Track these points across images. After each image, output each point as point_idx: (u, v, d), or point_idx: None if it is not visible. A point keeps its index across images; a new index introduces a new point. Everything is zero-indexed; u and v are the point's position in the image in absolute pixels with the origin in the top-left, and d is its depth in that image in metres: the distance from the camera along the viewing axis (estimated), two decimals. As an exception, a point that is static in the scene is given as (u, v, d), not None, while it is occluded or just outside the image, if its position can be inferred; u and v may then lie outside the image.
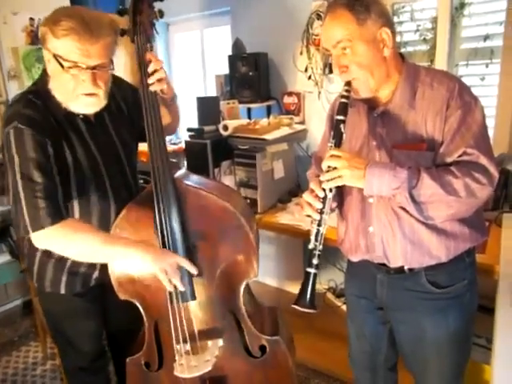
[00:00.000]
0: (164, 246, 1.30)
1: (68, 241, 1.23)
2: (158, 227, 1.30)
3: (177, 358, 1.35)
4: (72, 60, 1.17)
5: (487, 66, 2.06)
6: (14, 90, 2.74)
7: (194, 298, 1.34)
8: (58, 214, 1.21)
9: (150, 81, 1.28)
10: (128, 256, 1.27)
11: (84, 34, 1.14)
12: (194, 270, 1.31)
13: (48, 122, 1.25)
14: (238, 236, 1.34)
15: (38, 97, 1.27)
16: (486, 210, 1.67)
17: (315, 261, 1.15)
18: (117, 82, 1.41)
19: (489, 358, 1.10)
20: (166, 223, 1.29)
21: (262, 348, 1.40)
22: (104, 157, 1.38)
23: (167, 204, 1.29)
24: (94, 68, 1.19)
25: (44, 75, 1.30)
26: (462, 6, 2.07)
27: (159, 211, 1.30)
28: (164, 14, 1.36)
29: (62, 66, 1.18)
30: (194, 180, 1.42)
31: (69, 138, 1.30)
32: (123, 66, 2.85)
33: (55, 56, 1.18)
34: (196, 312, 1.36)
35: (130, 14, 1.31)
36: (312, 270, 1.14)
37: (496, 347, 1.04)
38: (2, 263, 2.87)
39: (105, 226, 1.37)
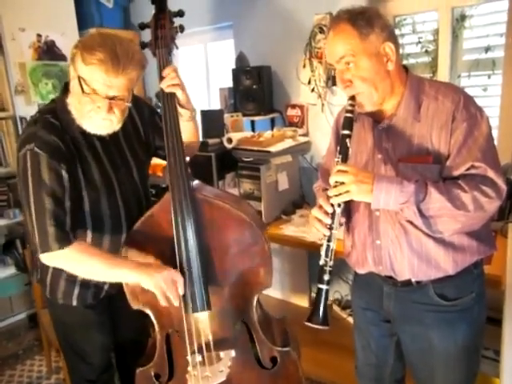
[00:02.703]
0: (180, 257, 1.29)
1: (74, 264, 1.27)
2: (175, 237, 1.29)
3: (189, 368, 1.34)
4: (93, 87, 1.20)
5: (489, 77, 2.08)
6: (21, 104, 2.79)
7: (209, 307, 1.31)
8: (65, 239, 1.24)
9: (162, 84, 1.31)
10: (130, 279, 1.29)
11: (112, 67, 1.17)
12: (181, 290, 1.27)
13: (64, 143, 1.27)
14: (253, 246, 1.34)
15: (56, 116, 1.29)
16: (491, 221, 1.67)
17: (326, 277, 1.14)
18: (136, 101, 1.44)
19: (497, 371, 1.08)
20: (182, 234, 1.28)
21: (273, 359, 1.40)
22: (117, 173, 1.40)
23: (184, 214, 1.28)
24: (111, 98, 1.23)
25: (65, 89, 1.33)
26: (463, 18, 2.10)
27: (176, 221, 1.29)
28: (184, 29, 1.37)
29: (82, 88, 1.21)
30: (208, 190, 1.42)
31: (84, 156, 1.33)
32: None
33: (79, 77, 1.21)
34: (210, 322, 1.35)
35: (152, 29, 1.35)
36: (324, 287, 1.14)
37: (504, 359, 1.03)
38: (7, 276, 2.89)
39: (116, 240, 1.39)
